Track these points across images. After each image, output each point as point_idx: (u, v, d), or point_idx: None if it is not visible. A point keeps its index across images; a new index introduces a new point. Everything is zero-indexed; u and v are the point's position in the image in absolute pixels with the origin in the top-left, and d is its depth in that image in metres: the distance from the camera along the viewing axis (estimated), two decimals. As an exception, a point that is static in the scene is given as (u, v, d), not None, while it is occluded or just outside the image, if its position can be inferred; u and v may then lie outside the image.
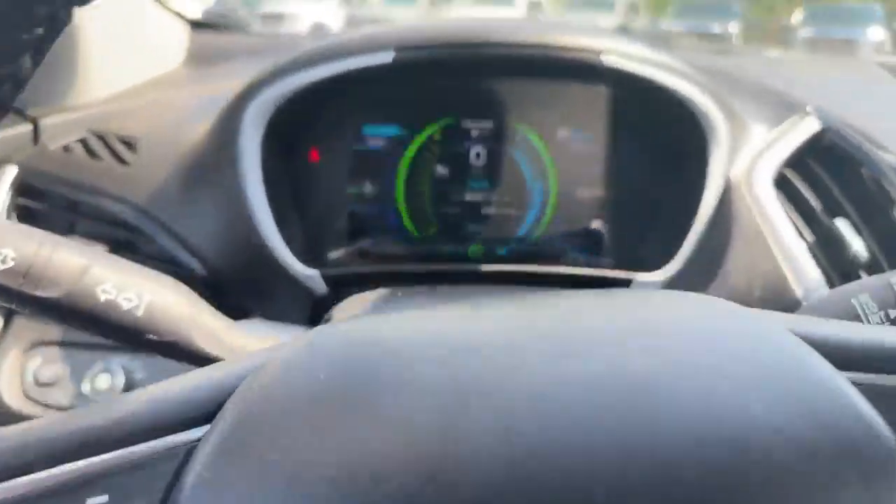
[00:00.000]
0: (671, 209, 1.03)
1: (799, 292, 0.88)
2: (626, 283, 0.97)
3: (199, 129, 1.04)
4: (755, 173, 0.97)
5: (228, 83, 1.44)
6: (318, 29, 14.88)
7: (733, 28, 14.60)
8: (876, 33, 13.36)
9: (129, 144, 1.12)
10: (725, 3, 15.87)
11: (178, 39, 1.72)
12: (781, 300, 0.89)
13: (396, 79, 0.97)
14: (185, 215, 1.01)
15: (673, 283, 0.96)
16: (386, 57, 0.89)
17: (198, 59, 1.72)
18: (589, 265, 1.08)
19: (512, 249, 1.12)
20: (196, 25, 1.77)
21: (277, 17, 15.27)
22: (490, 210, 1.11)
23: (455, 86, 1.06)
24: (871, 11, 14.40)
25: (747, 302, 0.95)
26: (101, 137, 1.13)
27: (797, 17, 14.95)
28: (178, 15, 1.73)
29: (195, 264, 1.01)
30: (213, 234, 0.99)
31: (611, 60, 0.90)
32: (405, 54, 0.89)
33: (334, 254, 1.09)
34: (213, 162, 1.00)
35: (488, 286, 1.03)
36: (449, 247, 1.12)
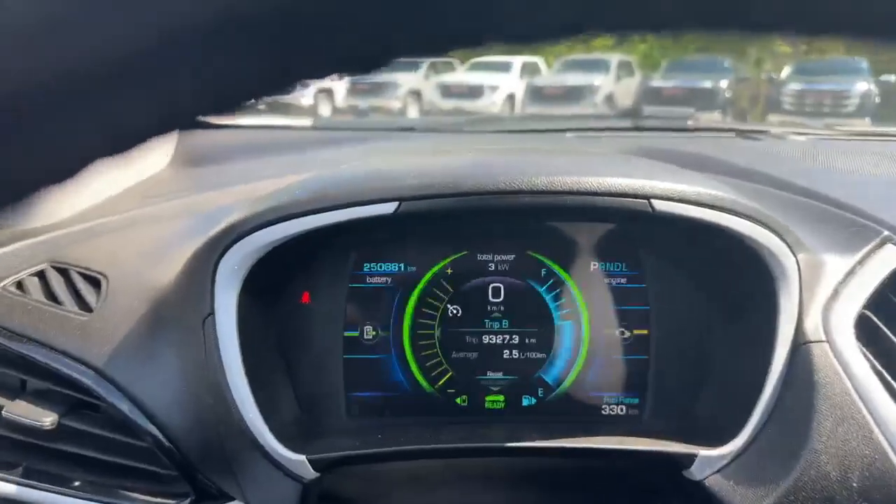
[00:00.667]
0: (735, 365, 0.86)
1: (914, 486, 0.71)
2: (688, 461, 0.79)
3: (169, 272, 0.88)
4: (834, 320, 0.80)
5: (216, 194, 1.30)
6: (324, 94, 15.09)
7: (723, 84, 14.79)
8: (861, 87, 13.55)
9: (94, 282, 0.95)
10: (715, 61, 16.15)
11: (165, 141, 1.60)
12: (890, 493, 0.71)
13: (403, 221, 0.82)
14: (145, 378, 0.83)
15: (743, 463, 0.78)
16: (387, 208, 0.74)
17: (184, 159, 1.59)
18: (633, 426, 0.90)
19: (540, 401, 0.95)
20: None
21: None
22: (512, 354, 0.94)
23: (469, 223, 0.90)
24: (857, 65, 14.66)
25: (843, 493, 0.79)
26: (63, 271, 0.97)
27: (785, 71, 15.19)
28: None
29: (158, 434, 0.82)
30: (179, 402, 0.82)
31: (662, 206, 0.75)
32: (410, 206, 0.73)
33: (326, 421, 0.91)
34: (181, 317, 0.83)
35: (505, 460, 0.85)
36: (463, 398, 0.94)
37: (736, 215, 0.77)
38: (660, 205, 0.74)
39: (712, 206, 0.76)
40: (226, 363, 0.78)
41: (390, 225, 0.82)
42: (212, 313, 0.79)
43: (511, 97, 14.84)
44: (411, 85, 15.67)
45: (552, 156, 0.84)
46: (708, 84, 14.51)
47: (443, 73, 16.66)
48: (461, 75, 16.05)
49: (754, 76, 17.26)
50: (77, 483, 0.88)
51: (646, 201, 0.74)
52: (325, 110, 14.48)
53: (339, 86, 15.83)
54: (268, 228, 0.76)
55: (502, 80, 15.06)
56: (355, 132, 1.81)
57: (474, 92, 14.56)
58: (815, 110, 13.49)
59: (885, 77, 14.72)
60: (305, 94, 15.11)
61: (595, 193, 0.73)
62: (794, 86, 14.11)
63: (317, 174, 0.80)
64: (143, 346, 0.85)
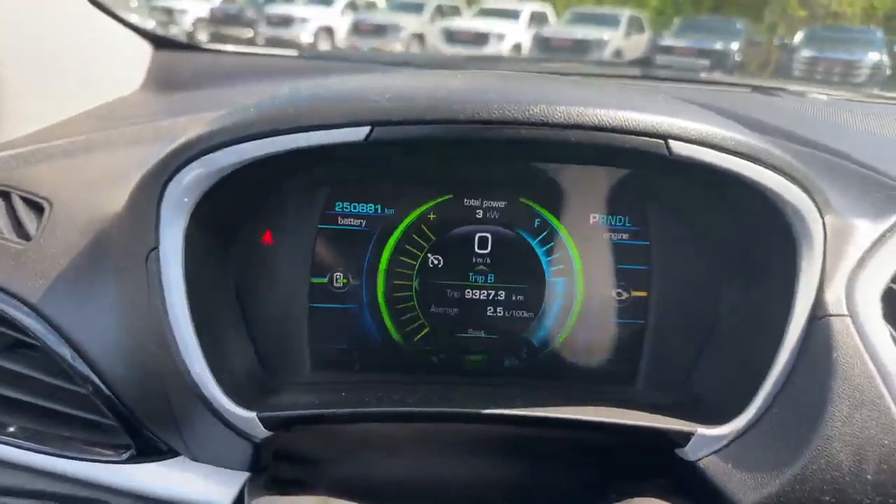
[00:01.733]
0: (742, 336, 0.77)
1: (937, 481, 0.63)
2: (683, 439, 0.71)
3: (118, 201, 0.78)
4: (859, 293, 0.71)
5: (185, 120, 1.18)
6: (324, 33, 14.68)
7: (734, 46, 14.45)
8: (874, 57, 13.29)
9: (38, 208, 0.85)
10: (728, 22, 15.77)
11: (137, 60, 1.47)
12: (909, 489, 0.63)
13: (377, 153, 0.71)
14: (84, 318, 0.74)
15: (744, 445, 0.70)
16: (358, 133, 0.62)
17: (158, 81, 1.47)
18: (625, 396, 0.81)
19: (523, 363, 0.86)
20: (160, 44, 1.52)
21: (285, 20, 14.99)
22: (496, 311, 0.85)
23: (453, 160, 0.79)
24: (871, 36, 14.35)
25: (855, 486, 0.71)
26: (5, 195, 0.87)
27: (798, 37, 14.84)
28: (141, 32, 1.47)
29: (97, 381, 0.74)
30: (119, 348, 0.72)
31: (681, 149, 0.64)
32: (384, 133, 0.62)
33: (287, 374, 0.82)
34: (123, 251, 0.73)
35: (481, 426, 0.76)
36: (440, 356, 0.86)
37: (763, 165, 0.66)
38: (678, 147, 0.64)
39: (737, 153, 0.65)
40: (169, 305, 0.68)
41: (364, 155, 0.72)
42: (156, 247, 0.69)
43: (517, 47, 14.48)
44: (415, 28, 15.23)
45: (554, 84, 0.72)
46: (719, 45, 14.17)
47: (449, 17, 16.20)
48: (467, 21, 15.62)
49: (766, 40, 16.90)
50: (11, 429, 0.79)
51: (662, 142, 0.63)
52: (324, 48, 14.11)
53: (340, 25, 15.38)
54: (215, 153, 0.65)
55: (509, 28, 14.65)
56: (345, 62, 1.68)
57: (480, 39, 14.17)
58: (825, 78, 13.26)
59: (898, 48, 14.43)
60: (305, 31, 14.69)
61: (602, 129, 0.62)
62: (806, 52, 13.83)
63: (279, 92, 0.68)
64: (81, 281, 0.76)
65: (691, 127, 0.64)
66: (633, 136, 0.63)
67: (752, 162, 0.66)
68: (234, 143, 0.64)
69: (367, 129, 0.62)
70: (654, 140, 0.63)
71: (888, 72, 13.40)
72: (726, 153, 0.65)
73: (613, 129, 0.62)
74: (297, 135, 0.63)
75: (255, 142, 0.64)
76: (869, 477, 0.64)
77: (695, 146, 0.64)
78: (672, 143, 0.63)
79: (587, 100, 0.63)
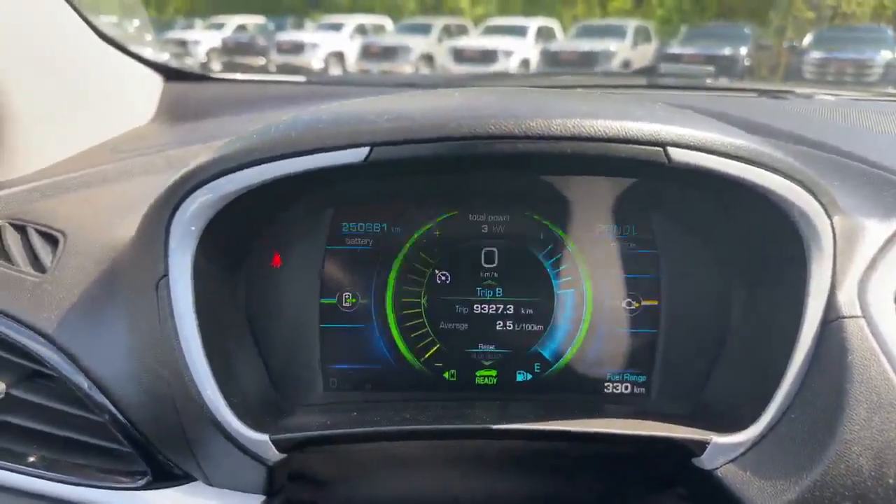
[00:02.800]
0: (755, 342, 0.76)
1: (961, 484, 0.61)
2: (699, 448, 0.70)
3: (131, 231, 0.79)
4: (872, 293, 0.70)
5: (196, 149, 1.20)
6: (335, 58, 14.88)
7: (743, 51, 14.41)
8: (886, 56, 13.16)
9: (52, 241, 0.87)
10: (735, 28, 15.74)
11: (149, 93, 1.50)
12: (933, 493, 0.62)
13: (379, 173, 0.72)
14: (98, 347, 0.75)
15: (761, 452, 0.69)
16: (358, 154, 0.63)
17: (169, 112, 1.50)
18: (639, 406, 0.81)
19: (536, 376, 0.86)
20: (171, 76, 1.55)
21: (295, 47, 15.23)
22: (506, 325, 0.85)
23: (457, 176, 0.80)
24: (882, 34, 14.24)
25: (877, 491, 0.68)
26: (21, 229, 0.89)
27: (807, 39, 14.77)
28: (152, 65, 1.51)
29: (112, 409, 0.74)
30: (132, 375, 0.73)
31: (679, 155, 0.64)
32: (384, 153, 0.63)
33: (300, 396, 0.83)
34: (134, 280, 0.74)
35: (495, 442, 0.76)
36: (451, 373, 0.86)
37: (765, 169, 0.66)
38: (677, 154, 0.63)
39: (738, 157, 0.65)
40: (180, 331, 0.69)
41: (366, 176, 0.72)
42: (165, 275, 0.70)
43: (526, 62, 14.56)
44: (423, 49, 15.39)
45: (552, 97, 0.73)
46: (727, 51, 14.14)
47: (456, 36, 16.34)
48: (475, 39, 15.74)
49: (775, 44, 16.82)
50: (31, 459, 0.80)
51: (660, 149, 0.63)
52: (335, 74, 14.28)
53: (350, 49, 15.58)
54: (219, 180, 0.66)
55: (517, 44, 14.76)
56: (352, 87, 1.70)
57: (488, 57, 14.27)
58: (836, 79, 13.15)
59: (910, 46, 14.29)
60: (316, 57, 14.90)
61: (600, 139, 0.62)
62: (816, 54, 13.73)
63: (280, 119, 0.70)
64: (95, 311, 0.77)
65: (689, 133, 0.64)
66: (632, 146, 0.63)
67: (753, 165, 0.66)
68: (236, 169, 0.66)
69: (366, 150, 0.63)
70: (653, 148, 0.63)
71: (902, 69, 13.26)
72: (726, 158, 0.65)
73: (611, 140, 0.62)
74: (298, 159, 0.64)
75: (258, 167, 0.65)
76: (891, 481, 0.63)
77: (694, 152, 0.64)
78: (671, 150, 0.63)
79: (584, 111, 0.64)
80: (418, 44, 15.46)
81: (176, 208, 0.69)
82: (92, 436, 0.78)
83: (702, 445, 0.70)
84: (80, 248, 0.84)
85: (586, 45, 14.62)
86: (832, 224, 0.70)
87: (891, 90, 1.61)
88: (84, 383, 0.75)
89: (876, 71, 13.07)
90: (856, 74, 13.17)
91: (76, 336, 0.76)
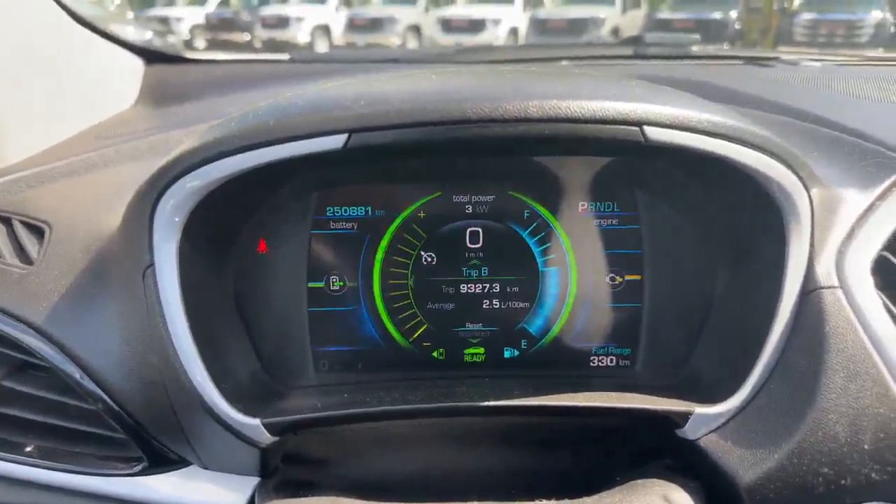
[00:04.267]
0: (736, 314, 0.78)
1: (933, 447, 0.63)
2: (682, 419, 0.71)
3: (117, 220, 0.79)
4: (849, 263, 0.71)
5: (181, 133, 1.19)
6: (321, 31, 14.65)
7: (733, 15, 14.27)
8: (876, 16, 13.07)
9: (38, 232, 0.87)
10: (725, -9, 15.55)
11: (131, 77, 1.48)
12: (907, 457, 0.64)
13: (359, 158, 0.72)
14: (88, 336, 0.76)
15: (743, 422, 0.70)
16: (336, 141, 0.63)
17: (152, 96, 1.48)
18: (624, 380, 0.82)
19: (523, 353, 0.87)
20: (151, 59, 1.53)
21: (280, 21, 14.98)
22: (493, 304, 0.86)
23: (439, 158, 0.80)
24: (871, -7, 14.12)
25: (852, 456, 0.70)
26: (6, 220, 0.89)
27: (798, 1, 14.63)
28: (132, 48, 1.49)
29: (105, 397, 0.76)
30: (123, 363, 0.74)
31: (655, 134, 0.64)
32: (362, 139, 0.63)
33: (291, 379, 0.84)
34: (121, 269, 0.75)
35: (485, 419, 0.77)
36: (440, 352, 0.87)
37: (741, 144, 0.66)
38: (653, 132, 0.64)
39: (714, 134, 0.66)
40: (168, 318, 0.70)
41: (347, 161, 0.73)
42: (152, 264, 0.70)
43: (514, 31, 14.38)
44: (410, 20, 15.17)
45: (530, 78, 0.73)
46: (718, 15, 13.99)
47: (443, 6, 16.10)
48: (462, 8, 15.51)
49: (765, 7, 16.65)
50: (28, 448, 0.82)
51: (637, 129, 0.64)
52: (321, 47, 14.08)
53: (336, 22, 15.34)
54: (199, 170, 0.66)
55: (505, 12, 14.55)
56: (336, 64, 1.69)
57: (476, 26, 14.09)
58: (827, 41, 13.07)
59: (902, 5, 14.18)
60: (301, 31, 14.67)
61: (576, 120, 0.62)
62: (807, 16, 13.63)
63: (260, 105, 0.69)
64: (83, 300, 0.78)
65: (665, 111, 0.64)
66: (608, 126, 0.63)
67: (729, 141, 0.66)
68: (216, 158, 0.66)
69: (345, 137, 0.63)
70: (629, 128, 0.63)
71: (892, 29, 13.18)
72: (702, 134, 0.65)
73: (588, 120, 0.63)
74: (276, 147, 0.64)
75: (238, 156, 0.65)
76: (866, 447, 0.65)
77: (670, 130, 0.64)
78: (647, 129, 0.64)
79: (561, 92, 0.64)
80: (405, 14, 15.22)
81: (158, 199, 0.69)
82: (87, 424, 0.80)
83: (685, 416, 0.71)
84: (66, 239, 0.84)
85: (574, 11, 14.44)
86: (809, 196, 0.71)
87: (878, 53, 1.60)
88: (76, 373, 0.76)
89: (867, 31, 12.99)
90: (846, 35, 13.09)
91: (66, 326, 0.77)
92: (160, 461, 0.78)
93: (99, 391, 0.75)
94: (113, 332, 0.75)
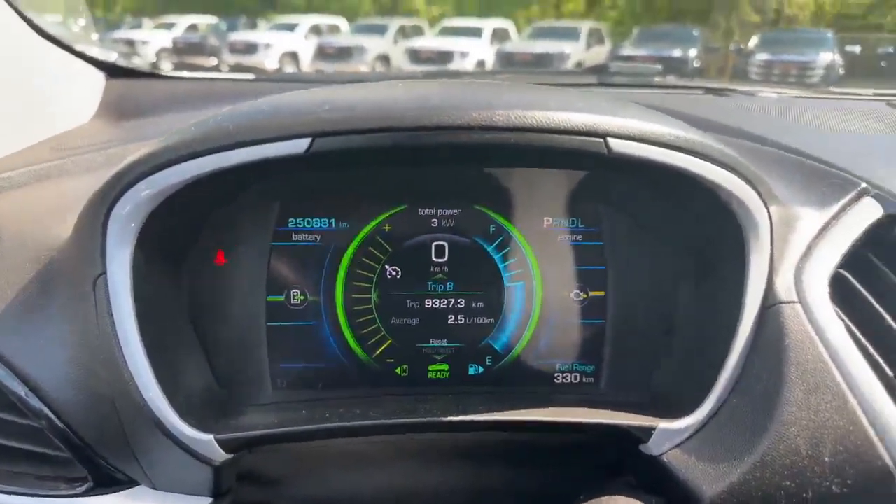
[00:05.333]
0: (698, 330, 0.78)
1: (891, 459, 0.64)
2: (645, 435, 0.71)
3: (66, 232, 0.76)
4: (807, 279, 0.73)
5: (139, 146, 1.17)
6: (289, 58, 14.68)
7: (692, 53, 14.79)
8: (826, 58, 13.69)
9: None
10: (685, 30, 16.15)
11: (90, 90, 1.45)
12: (866, 469, 0.64)
13: (323, 165, 0.71)
14: (32, 348, 0.72)
15: (705, 437, 0.70)
16: (298, 146, 0.62)
17: (112, 110, 1.45)
18: (589, 396, 0.82)
19: (488, 369, 0.86)
20: (113, 73, 1.50)
21: (248, 47, 14.97)
22: (458, 319, 0.85)
23: (405, 169, 0.80)
24: (822, 37, 14.82)
25: (814, 469, 0.71)
26: None
27: (753, 41, 15.24)
28: (93, 62, 1.46)
29: (49, 414, 0.72)
30: (70, 376, 0.71)
31: (620, 146, 0.65)
32: (325, 144, 0.62)
33: (248, 395, 0.81)
34: (71, 279, 0.72)
35: (447, 435, 0.76)
36: (403, 368, 0.85)
37: (704, 159, 0.67)
38: (617, 144, 0.64)
39: (678, 148, 0.66)
40: (119, 330, 0.67)
41: (311, 169, 0.71)
42: (103, 273, 0.68)
43: (481, 63, 14.65)
44: (379, 50, 15.33)
45: (498, 89, 0.73)
46: (677, 53, 14.50)
47: (412, 37, 16.32)
48: (431, 40, 15.75)
49: (723, 46, 17.31)
50: None
51: (601, 140, 0.64)
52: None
53: (304, 50, 15.41)
54: (155, 175, 0.64)
55: (472, 45, 14.84)
56: (302, 84, 1.68)
57: (444, 58, 14.32)
58: (781, 80, 13.62)
59: (849, 48, 14.90)
60: (269, 57, 14.69)
61: (541, 130, 0.62)
62: (761, 56, 14.20)
63: (221, 110, 0.68)
64: (31, 312, 0.74)
65: (629, 124, 0.65)
66: (572, 136, 0.63)
67: (692, 156, 0.67)
68: (172, 163, 0.64)
69: (307, 141, 0.62)
70: (593, 139, 0.64)
71: (840, 70, 13.82)
72: (666, 148, 0.66)
73: (553, 130, 0.63)
74: (237, 150, 0.63)
75: (195, 161, 0.63)
76: (826, 459, 0.65)
77: (633, 143, 0.65)
78: (611, 140, 0.64)
79: (526, 102, 0.64)
80: (374, 44, 15.39)
81: (112, 204, 0.67)
82: (27, 442, 0.75)
83: (648, 431, 0.71)
84: (14, 249, 0.80)
85: (541, 46, 14.80)
86: (769, 213, 0.72)
87: (830, 88, 1.66)
88: (20, 389, 0.72)
89: (818, 73, 13.59)
90: (798, 76, 13.68)
91: (11, 340, 0.73)
92: (106, 481, 0.74)
93: (43, 408, 0.71)
94: (60, 345, 0.71)
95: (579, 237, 0.85)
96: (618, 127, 0.64)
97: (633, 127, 0.65)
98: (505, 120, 0.62)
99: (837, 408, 0.66)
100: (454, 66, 14.10)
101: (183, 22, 17.65)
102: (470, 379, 0.86)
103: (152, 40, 16.02)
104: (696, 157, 0.67)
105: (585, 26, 16.58)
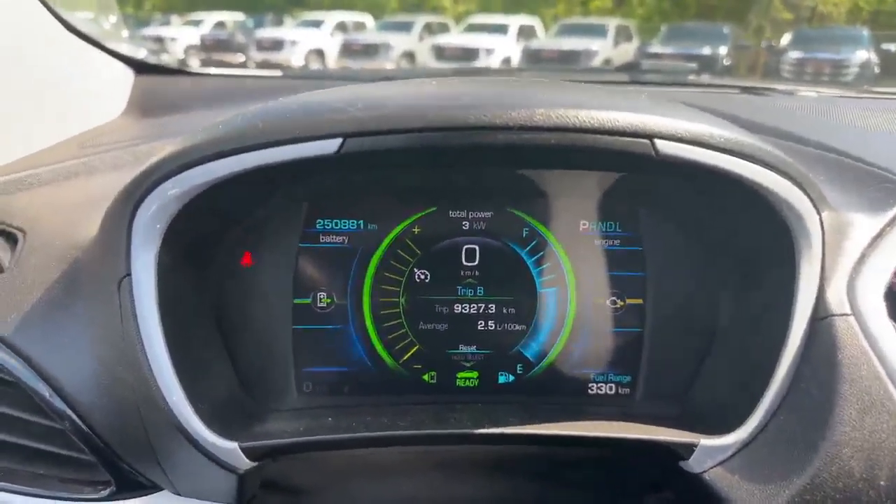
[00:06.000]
0: (743, 341, 0.74)
1: (954, 486, 0.60)
2: (686, 451, 0.68)
3: (94, 229, 0.75)
4: (861, 290, 0.69)
5: (165, 144, 1.16)
6: (315, 55, 14.79)
7: (722, 51, 14.55)
8: (861, 56, 13.37)
9: (12, 239, 0.83)
10: (715, 27, 15.89)
11: (119, 86, 1.45)
12: (926, 495, 0.60)
13: (353, 166, 0.68)
14: (57, 350, 0.71)
15: (751, 455, 0.67)
16: (329, 146, 0.60)
17: (140, 107, 1.45)
18: (624, 408, 0.79)
19: (519, 378, 0.83)
20: (141, 69, 1.50)
21: (275, 44, 15.09)
22: (488, 325, 0.83)
23: (436, 170, 0.77)
24: (857, 34, 14.47)
25: (868, 493, 0.63)
26: None
27: (785, 39, 14.94)
28: (122, 58, 1.46)
29: (73, 416, 0.70)
30: (94, 379, 0.69)
31: (667, 148, 0.62)
32: (357, 144, 0.60)
33: (272, 400, 0.79)
34: (96, 280, 0.71)
35: (477, 447, 0.73)
36: (431, 375, 0.83)
37: (753, 162, 0.64)
38: (665, 146, 0.61)
39: (726, 150, 0.63)
40: (144, 333, 0.65)
41: (341, 169, 0.69)
42: (128, 274, 0.66)
43: (507, 60, 14.57)
44: (405, 47, 15.33)
45: (534, 87, 0.70)
46: (707, 51, 14.27)
47: (438, 34, 16.29)
48: (456, 37, 15.71)
49: (754, 44, 17.01)
50: None
51: (648, 141, 0.61)
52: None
53: (330, 46, 15.47)
54: (182, 174, 0.62)
55: (498, 42, 14.76)
56: (329, 81, 1.66)
57: (469, 55, 14.26)
58: (814, 79, 13.32)
59: (885, 46, 14.54)
60: (295, 54, 14.78)
61: (585, 130, 0.59)
62: (794, 54, 13.90)
63: (249, 109, 0.66)
64: (55, 312, 0.73)
65: (677, 125, 0.61)
66: (618, 137, 0.60)
67: (742, 159, 0.63)
68: (200, 162, 0.62)
69: (338, 142, 0.60)
70: (640, 140, 0.61)
71: (876, 69, 13.48)
72: (715, 150, 0.62)
73: (597, 131, 0.60)
74: (266, 150, 0.61)
75: (223, 160, 0.62)
76: (882, 483, 0.61)
77: (682, 145, 0.62)
78: (658, 142, 0.61)
79: (569, 102, 0.61)
80: (399, 41, 15.39)
81: (138, 204, 0.65)
82: (52, 444, 0.74)
83: (689, 448, 0.68)
84: (40, 247, 0.80)
85: (568, 43, 14.68)
86: (821, 219, 0.68)
87: (869, 87, 1.60)
88: (45, 390, 0.71)
89: (852, 71, 13.27)
90: (832, 74, 13.36)
91: (35, 340, 0.72)
92: (129, 486, 0.72)
93: (67, 410, 0.70)
94: (84, 347, 0.70)
95: (617, 241, 0.82)
96: (665, 127, 0.61)
97: (681, 128, 0.61)
98: (546, 119, 0.59)
99: (894, 428, 0.62)
100: (480, 63, 14.04)
101: (210, 19, 17.84)
102: (500, 387, 0.83)
103: (180, 37, 16.22)
104: (746, 160, 0.63)
105: (613, 23, 16.40)
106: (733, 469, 0.67)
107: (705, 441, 0.67)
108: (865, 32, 14.51)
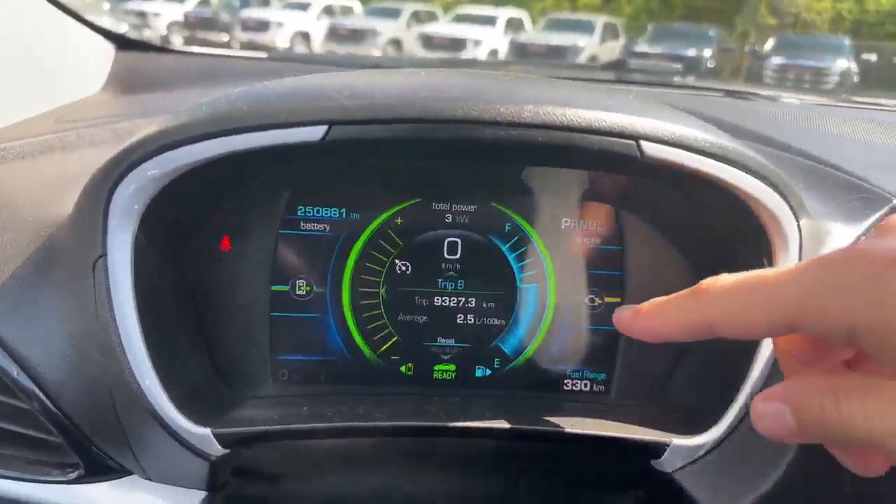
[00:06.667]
0: (720, 342, 0.74)
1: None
2: (658, 450, 0.68)
3: (68, 207, 0.73)
4: (835, 297, 0.69)
5: (146, 122, 1.14)
6: (300, 38, 14.61)
7: (707, 53, 14.67)
8: (842, 64, 13.58)
9: None
10: (701, 30, 16.02)
11: (99, 61, 1.42)
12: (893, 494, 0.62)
13: (338, 154, 0.68)
14: (27, 329, 0.69)
15: (723, 455, 0.68)
16: (314, 133, 0.59)
17: (120, 83, 1.42)
18: (599, 405, 0.79)
19: (495, 372, 0.84)
20: (123, 45, 1.47)
21: (260, 24, 14.88)
22: (467, 319, 0.83)
23: (421, 162, 0.76)
24: (839, 43, 14.70)
25: (834, 498, 0.67)
26: None
27: (769, 44, 15.11)
28: (102, 32, 1.42)
29: (41, 396, 0.69)
30: (66, 360, 0.68)
31: (653, 150, 0.62)
32: (342, 132, 0.59)
33: (247, 388, 0.79)
34: (70, 259, 0.69)
35: (451, 440, 0.73)
36: (409, 366, 0.83)
37: (737, 167, 0.64)
38: (650, 148, 0.61)
39: (711, 155, 0.63)
40: (118, 315, 0.64)
41: (325, 157, 0.68)
42: (103, 255, 0.65)
43: (494, 52, 14.56)
44: (392, 34, 15.22)
45: (523, 83, 0.70)
46: (692, 52, 14.39)
47: (425, 22, 16.20)
48: (444, 27, 15.64)
49: (738, 48, 17.18)
50: None
51: (633, 143, 0.61)
52: (300, 53, 14.05)
53: (317, 30, 15.31)
54: (161, 156, 0.61)
55: (486, 33, 14.74)
56: (315, 65, 1.65)
57: (457, 45, 14.22)
58: (795, 85, 13.50)
59: (865, 56, 14.79)
60: (281, 35, 14.60)
61: (571, 129, 0.59)
62: (777, 59, 14.09)
63: (233, 91, 0.65)
64: (26, 291, 0.71)
65: (664, 128, 0.62)
66: (604, 137, 0.60)
67: (726, 164, 0.64)
68: (182, 144, 0.61)
69: (323, 129, 0.59)
70: (626, 141, 0.61)
71: (855, 78, 13.71)
72: (700, 155, 0.63)
73: (583, 130, 0.60)
74: (248, 135, 0.60)
75: (206, 143, 0.60)
76: (847, 489, 0.62)
77: (667, 147, 0.62)
78: (644, 144, 0.61)
79: (557, 99, 0.61)
80: (387, 28, 15.28)
81: (116, 184, 0.64)
82: (17, 424, 0.73)
83: (661, 447, 0.68)
84: (12, 224, 0.78)
85: (555, 38, 14.70)
86: (799, 227, 0.69)
87: (850, 97, 1.63)
88: (12, 368, 0.69)
89: (833, 79, 13.48)
90: (813, 81, 13.55)
91: (5, 318, 0.70)
92: (98, 469, 0.71)
93: (35, 389, 0.69)
94: (55, 326, 0.68)
95: (597, 240, 0.82)
96: (651, 129, 0.61)
97: (667, 130, 0.62)
98: (533, 116, 0.59)
99: None
100: (467, 53, 14.01)
101: (195, -5, 17.54)
102: (476, 381, 0.84)
103: (163, 13, 15.92)
104: (729, 165, 0.64)
105: (601, 20, 16.45)
106: (704, 469, 0.68)
107: (678, 440, 0.68)
108: (847, 42, 14.75)
